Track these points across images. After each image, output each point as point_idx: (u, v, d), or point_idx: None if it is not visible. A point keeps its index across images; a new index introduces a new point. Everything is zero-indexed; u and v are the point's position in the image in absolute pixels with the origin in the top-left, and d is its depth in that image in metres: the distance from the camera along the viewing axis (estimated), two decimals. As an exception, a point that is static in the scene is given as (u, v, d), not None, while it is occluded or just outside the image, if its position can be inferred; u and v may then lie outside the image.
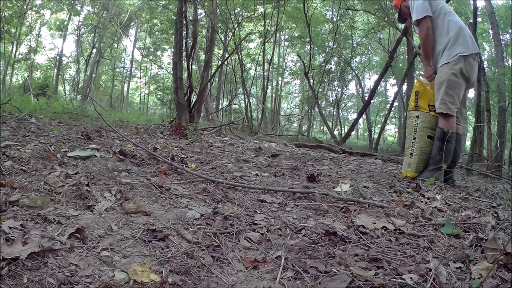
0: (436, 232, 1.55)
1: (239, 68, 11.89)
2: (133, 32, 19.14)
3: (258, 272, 1.15)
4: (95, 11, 15.85)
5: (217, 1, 8.64)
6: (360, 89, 16.06)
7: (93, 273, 1.01)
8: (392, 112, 13.34)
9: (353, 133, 12.27)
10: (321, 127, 23.18)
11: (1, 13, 11.26)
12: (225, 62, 10.81)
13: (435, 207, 1.97)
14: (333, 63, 13.92)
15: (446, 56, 2.73)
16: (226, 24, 11.43)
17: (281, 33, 17.10)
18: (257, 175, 2.62)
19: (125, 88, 20.94)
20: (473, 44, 2.75)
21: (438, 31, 2.80)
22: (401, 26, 8.67)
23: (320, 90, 13.20)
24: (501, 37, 10.42)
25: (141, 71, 22.42)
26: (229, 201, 1.84)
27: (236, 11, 11.80)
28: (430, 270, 1.16)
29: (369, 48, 15.66)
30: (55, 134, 2.96)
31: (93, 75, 14.98)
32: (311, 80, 12.05)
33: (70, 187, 1.61)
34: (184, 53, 4.93)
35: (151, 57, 19.35)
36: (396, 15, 3.26)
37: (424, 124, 2.83)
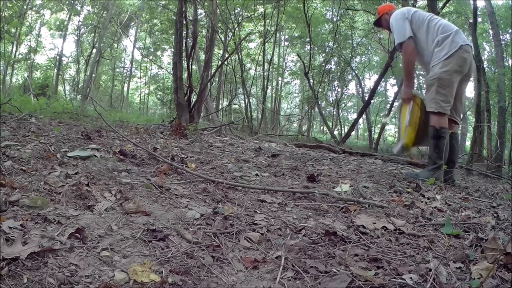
0: (436, 232, 1.55)
1: (239, 68, 11.88)
2: (133, 32, 19.16)
3: (258, 272, 1.15)
4: (95, 11, 15.84)
5: (217, 1, 8.64)
6: (360, 89, 16.06)
7: (93, 273, 1.01)
8: (392, 112, 13.33)
9: (353, 133, 12.27)
10: (321, 127, 23.16)
11: (1, 13, 11.25)
12: (225, 62, 10.81)
13: (435, 207, 1.97)
14: (333, 63, 13.90)
15: (436, 58, 2.76)
16: (226, 24, 11.43)
17: (281, 33, 17.09)
18: (257, 175, 2.62)
19: (125, 88, 20.94)
20: (460, 38, 2.74)
21: (425, 38, 2.85)
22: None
23: (320, 90, 13.20)
24: (501, 37, 10.41)
25: (141, 71, 22.41)
26: (229, 201, 1.84)
27: (236, 11, 11.79)
28: (430, 270, 1.16)
29: (369, 48, 15.64)
30: (55, 134, 2.96)
31: (93, 75, 14.97)
32: (311, 80, 12.05)
33: (70, 187, 1.61)
34: (184, 53, 4.93)
35: (151, 57, 19.34)
36: (375, 18, 3.35)
37: None
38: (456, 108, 2.87)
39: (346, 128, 13.66)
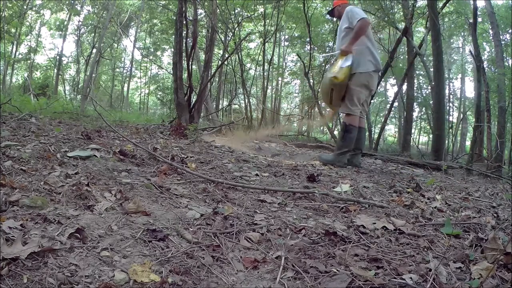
0: (436, 232, 1.55)
1: (239, 68, 11.88)
2: (133, 32, 19.11)
3: (258, 272, 1.15)
4: (95, 11, 15.83)
5: (217, 1, 8.63)
6: (360, 89, 16.01)
7: (93, 273, 1.01)
8: (392, 112, 13.33)
9: (353, 133, 12.21)
10: (321, 127, 23.12)
11: (1, 13, 11.25)
12: (225, 62, 10.80)
13: (435, 207, 1.97)
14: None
15: (362, 66, 3.40)
16: (226, 24, 11.42)
17: (281, 33, 17.06)
18: (257, 175, 2.62)
19: (125, 88, 20.92)
20: (378, 61, 3.51)
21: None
22: (401, 26, 8.68)
23: (320, 90, 13.18)
24: (501, 37, 10.39)
25: (141, 71, 22.38)
26: (229, 201, 1.84)
27: (236, 11, 11.78)
28: (430, 270, 1.16)
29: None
30: (55, 134, 2.96)
31: (93, 75, 14.95)
32: (311, 80, 12.04)
33: (70, 187, 1.61)
34: (184, 53, 4.92)
35: (151, 57, 19.32)
36: (330, 8, 3.93)
37: None
38: (364, 109, 3.65)
39: (346, 128, 13.60)
